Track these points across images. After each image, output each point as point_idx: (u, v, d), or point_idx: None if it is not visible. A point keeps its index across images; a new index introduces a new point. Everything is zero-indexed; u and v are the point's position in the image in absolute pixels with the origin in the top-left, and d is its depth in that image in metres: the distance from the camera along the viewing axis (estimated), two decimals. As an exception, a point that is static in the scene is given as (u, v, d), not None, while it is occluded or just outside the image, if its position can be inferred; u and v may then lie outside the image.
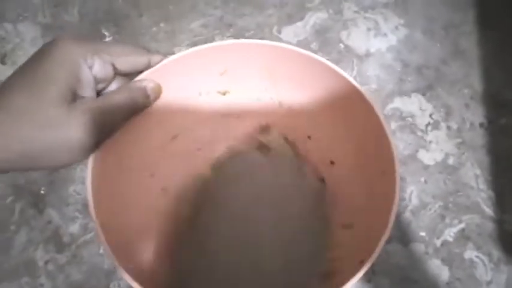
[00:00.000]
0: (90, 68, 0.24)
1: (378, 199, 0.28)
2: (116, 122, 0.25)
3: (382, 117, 0.27)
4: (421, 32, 0.47)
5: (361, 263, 0.23)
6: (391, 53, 0.46)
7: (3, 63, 0.47)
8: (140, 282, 0.23)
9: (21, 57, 0.47)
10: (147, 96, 0.27)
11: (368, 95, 0.28)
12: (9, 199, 0.39)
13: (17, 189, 0.39)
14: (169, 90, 0.29)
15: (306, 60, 0.30)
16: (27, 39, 0.48)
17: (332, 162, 0.34)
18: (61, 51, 0.23)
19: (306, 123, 0.34)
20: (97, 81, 0.25)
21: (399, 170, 0.25)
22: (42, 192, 0.39)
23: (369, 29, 0.47)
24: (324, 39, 0.47)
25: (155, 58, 0.27)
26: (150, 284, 0.24)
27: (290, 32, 0.47)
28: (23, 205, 0.39)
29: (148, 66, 0.27)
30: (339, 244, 0.31)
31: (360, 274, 0.23)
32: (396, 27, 0.47)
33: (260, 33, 0.47)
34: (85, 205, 0.38)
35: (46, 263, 0.36)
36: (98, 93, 0.26)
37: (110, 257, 0.23)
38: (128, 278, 0.23)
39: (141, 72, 0.27)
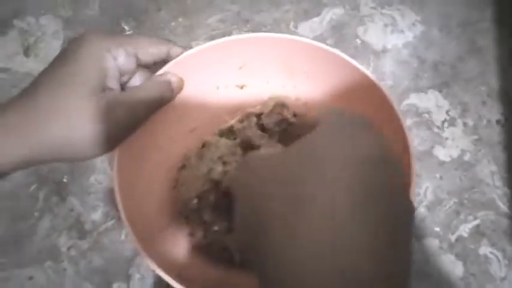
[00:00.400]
0: (115, 59, 0.25)
1: None
2: (143, 115, 0.26)
3: (398, 112, 0.28)
4: (438, 28, 0.47)
5: None
6: (407, 49, 0.46)
7: (27, 55, 0.48)
8: (162, 267, 0.24)
9: (43, 50, 0.48)
10: (172, 90, 0.28)
11: (385, 89, 0.28)
12: (33, 187, 0.40)
13: (40, 178, 0.40)
14: (188, 84, 0.30)
15: (322, 53, 0.30)
16: (48, 32, 0.49)
17: None
18: (87, 46, 0.24)
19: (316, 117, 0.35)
20: (122, 72, 0.26)
21: (415, 164, 0.26)
22: (64, 180, 0.40)
23: (385, 25, 0.48)
24: (340, 35, 0.47)
25: (175, 49, 0.28)
26: (170, 270, 0.25)
27: (306, 27, 0.48)
28: (46, 193, 0.40)
29: (168, 57, 0.28)
30: None
31: None
32: (413, 24, 0.48)
33: (277, 28, 0.48)
34: (106, 194, 0.40)
35: (69, 248, 0.37)
36: (122, 86, 0.27)
37: (133, 243, 0.24)
38: (150, 263, 0.24)
39: (162, 64, 0.28)
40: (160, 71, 0.28)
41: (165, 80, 0.28)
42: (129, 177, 0.28)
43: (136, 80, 0.28)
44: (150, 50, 0.27)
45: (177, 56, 0.28)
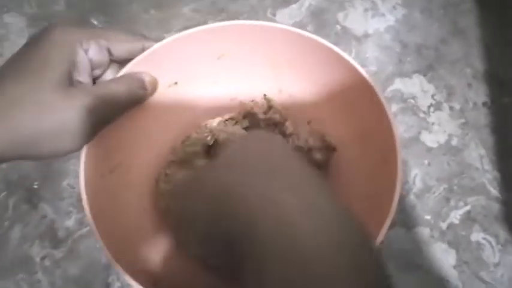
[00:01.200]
0: (86, 51, 0.24)
1: (381, 184, 0.27)
2: (113, 111, 0.24)
3: (383, 99, 0.26)
4: (419, 11, 0.46)
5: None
6: (389, 34, 0.45)
7: (-11, 56, 0.45)
8: (134, 276, 0.22)
9: (8, 49, 0.46)
10: (145, 89, 0.26)
11: (368, 76, 0.27)
12: (2, 194, 0.38)
13: (9, 184, 0.38)
14: (161, 77, 0.28)
15: (303, 41, 0.28)
16: (13, 30, 0.47)
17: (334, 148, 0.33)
18: (56, 36, 0.23)
19: (306, 108, 0.33)
20: (93, 66, 0.24)
21: (401, 154, 0.25)
22: (35, 186, 0.38)
23: (366, 10, 0.46)
24: (320, 21, 0.45)
25: (150, 44, 0.26)
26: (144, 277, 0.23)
27: (285, 14, 0.46)
28: (16, 200, 0.37)
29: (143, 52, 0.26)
30: None
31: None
32: (394, 7, 0.46)
33: (254, 16, 0.46)
34: (79, 199, 0.37)
35: (42, 258, 0.35)
36: (94, 80, 0.25)
37: (104, 252, 0.23)
38: (123, 274, 0.22)
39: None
40: (130, 64, 0.26)
41: (138, 78, 0.26)
42: (97, 180, 0.26)
43: (109, 75, 0.26)
44: (124, 45, 0.26)
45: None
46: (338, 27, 0.45)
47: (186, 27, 0.46)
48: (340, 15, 0.46)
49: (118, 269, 0.22)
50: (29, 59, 0.22)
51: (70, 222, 0.36)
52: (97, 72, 0.25)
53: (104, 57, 0.25)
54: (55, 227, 0.36)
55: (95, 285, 0.34)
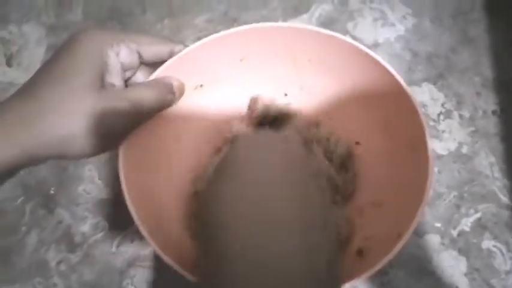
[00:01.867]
0: (117, 54, 0.25)
1: (408, 177, 0.28)
2: (143, 115, 0.25)
3: (410, 93, 0.27)
4: (429, 20, 0.47)
5: (399, 237, 0.23)
6: (399, 43, 0.45)
7: (9, 65, 0.47)
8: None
9: (27, 59, 0.47)
10: (173, 93, 0.27)
11: (389, 66, 0.27)
12: (19, 200, 0.39)
13: (27, 190, 0.39)
14: (187, 80, 0.29)
15: (324, 38, 0.29)
16: (32, 40, 0.48)
17: (357, 143, 0.33)
18: (88, 40, 0.24)
19: (326, 105, 0.34)
20: (124, 68, 0.25)
21: (431, 145, 0.25)
22: (52, 192, 0.39)
23: (375, 19, 0.47)
24: (330, 31, 0.46)
25: (178, 47, 0.27)
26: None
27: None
28: (33, 206, 0.38)
29: (171, 56, 0.27)
30: (370, 223, 0.30)
31: (398, 247, 0.23)
32: (404, 17, 0.47)
33: (266, 26, 0.47)
34: (95, 204, 0.38)
35: (58, 263, 0.36)
36: (125, 82, 0.26)
37: (145, 236, 0.23)
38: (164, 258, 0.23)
39: (164, 62, 0.27)
40: (159, 70, 0.27)
41: (166, 83, 0.27)
42: (134, 175, 0.26)
43: (139, 77, 0.27)
44: (153, 48, 0.27)
45: None
46: (348, 36, 0.45)
47: (198, 38, 0.47)
48: (350, 25, 0.46)
49: (151, 243, 0.23)
50: (61, 64, 0.23)
51: (85, 228, 0.37)
52: (127, 74, 0.26)
53: (134, 60, 0.26)
54: (71, 232, 0.37)
55: (110, 290, 0.35)
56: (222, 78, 0.33)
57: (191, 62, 0.28)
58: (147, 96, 0.25)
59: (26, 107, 0.21)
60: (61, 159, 0.23)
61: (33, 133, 0.21)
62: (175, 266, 0.23)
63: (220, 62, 0.31)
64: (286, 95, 0.35)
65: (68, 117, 0.22)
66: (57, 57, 0.23)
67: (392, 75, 0.27)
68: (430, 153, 0.25)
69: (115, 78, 0.24)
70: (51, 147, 0.22)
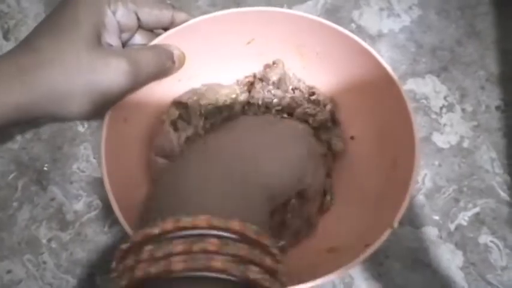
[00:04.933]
0: (114, 13, 0.24)
1: (392, 185, 0.27)
2: (140, 78, 0.24)
3: (407, 98, 0.26)
4: (436, 12, 0.46)
5: (366, 246, 0.23)
6: (404, 34, 0.45)
7: (6, 39, 0.46)
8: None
9: (24, 33, 0.45)
10: (173, 62, 0.26)
11: (394, 75, 0.27)
12: (12, 175, 0.38)
13: (19, 166, 0.38)
14: (189, 53, 0.28)
15: (334, 34, 0.29)
16: (30, 15, 0.47)
17: (352, 138, 0.33)
18: None
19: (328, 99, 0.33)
20: (121, 28, 0.25)
21: (419, 155, 0.25)
22: (45, 169, 0.38)
23: (381, 9, 0.46)
24: (335, 18, 0.45)
25: (180, 16, 0.26)
26: None
27: (300, 10, 0.46)
28: (26, 182, 0.38)
29: (172, 23, 0.26)
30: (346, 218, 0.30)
31: (361, 257, 0.22)
32: (410, 7, 0.46)
33: (270, 11, 0.46)
34: (89, 183, 0.37)
35: (49, 240, 0.35)
36: (123, 44, 0.26)
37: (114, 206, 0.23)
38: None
39: (165, 29, 0.26)
40: (161, 37, 0.26)
41: (168, 50, 0.26)
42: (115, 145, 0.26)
43: (137, 40, 0.27)
44: (153, 11, 0.26)
45: (182, 23, 0.27)
46: (353, 25, 0.45)
47: (201, 19, 0.46)
48: (356, 14, 0.45)
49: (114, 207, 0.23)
50: (60, 19, 0.22)
51: (78, 206, 0.37)
52: (125, 36, 0.25)
53: (132, 21, 0.25)
54: (63, 209, 0.36)
55: (101, 269, 0.34)
56: (225, 59, 0.32)
57: (195, 35, 0.27)
58: (145, 59, 0.24)
59: (25, 58, 0.21)
60: (55, 117, 0.22)
61: (31, 84, 0.20)
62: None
63: (225, 42, 0.30)
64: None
65: (67, 71, 0.21)
66: (56, 12, 0.23)
67: (395, 84, 0.27)
68: (415, 169, 0.25)
69: (112, 38, 0.24)
70: (47, 101, 0.21)
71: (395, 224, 0.23)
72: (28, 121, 0.22)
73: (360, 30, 0.45)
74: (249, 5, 0.46)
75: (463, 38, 0.44)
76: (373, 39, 0.44)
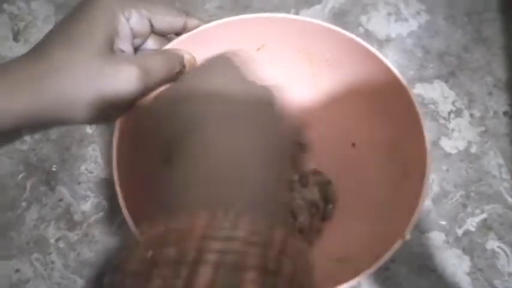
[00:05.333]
0: (127, 20, 0.24)
1: (401, 197, 0.27)
2: (150, 83, 0.24)
3: (416, 104, 0.26)
4: (443, 18, 0.46)
5: (377, 257, 0.23)
6: (412, 39, 0.45)
7: (16, 40, 0.46)
8: None
9: (34, 35, 0.46)
10: (183, 66, 0.27)
11: (407, 85, 0.27)
12: (21, 176, 0.38)
13: (28, 166, 0.39)
14: (200, 59, 0.28)
15: (345, 41, 0.29)
16: (40, 17, 0.47)
17: (353, 144, 0.33)
18: (100, 2, 0.23)
19: (340, 109, 0.33)
20: (134, 34, 0.25)
21: (431, 162, 0.24)
22: (53, 169, 0.38)
23: (389, 14, 0.46)
24: (342, 23, 0.45)
25: (192, 22, 0.27)
26: None
27: (308, 15, 0.46)
28: (34, 182, 0.38)
29: (184, 29, 0.27)
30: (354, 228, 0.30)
31: (372, 268, 0.22)
32: (417, 13, 0.46)
33: (278, 15, 0.46)
34: (97, 183, 0.38)
35: (57, 240, 0.35)
36: (135, 50, 0.26)
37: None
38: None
39: (177, 34, 0.27)
40: (174, 42, 0.27)
41: (178, 55, 0.26)
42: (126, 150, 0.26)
43: (149, 44, 0.27)
44: (166, 18, 0.26)
45: (194, 28, 0.27)
46: (361, 29, 0.45)
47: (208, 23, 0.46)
48: (363, 18, 0.46)
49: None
50: (73, 25, 0.22)
51: (86, 207, 0.37)
52: (137, 41, 0.25)
53: (145, 28, 0.25)
54: (71, 210, 0.37)
55: (109, 271, 0.34)
56: None
57: (206, 40, 0.28)
58: (156, 65, 0.24)
59: (35, 66, 0.21)
60: (63, 123, 0.23)
61: (40, 92, 0.21)
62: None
63: (236, 46, 0.31)
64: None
65: (76, 79, 0.21)
66: (68, 18, 0.23)
67: (408, 95, 0.27)
68: (426, 182, 0.25)
69: (125, 44, 0.24)
70: (55, 108, 0.21)
71: (408, 236, 0.23)
72: (35, 126, 0.22)
73: (367, 35, 0.45)
74: (257, 9, 0.47)
75: (470, 44, 0.44)
76: (380, 43, 0.44)
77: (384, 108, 0.30)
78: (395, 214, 0.26)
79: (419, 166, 0.25)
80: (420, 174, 0.25)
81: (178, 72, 0.26)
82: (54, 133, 0.40)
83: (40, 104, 0.21)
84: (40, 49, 0.22)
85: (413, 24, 0.45)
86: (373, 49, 0.28)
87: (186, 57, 0.27)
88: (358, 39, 0.28)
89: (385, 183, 0.29)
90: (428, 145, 0.25)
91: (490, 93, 0.42)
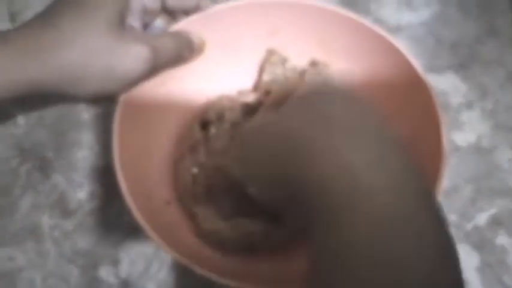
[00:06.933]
0: None
1: None
2: (158, 63, 0.24)
3: (435, 98, 0.25)
4: (455, 8, 0.45)
5: None
6: (423, 28, 0.43)
7: (13, 21, 0.44)
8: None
9: (31, 16, 0.45)
10: (192, 51, 0.26)
11: (426, 79, 0.26)
12: (15, 162, 0.37)
13: (23, 152, 0.37)
14: (211, 42, 0.27)
15: (361, 29, 0.28)
16: (37, -2, 0.46)
17: None
18: None
19: None
20: (145, 11, 0.24)
21: (446, 166, 0.23)
22: (49, 156, 0.37)
23: (400, 2, 0.45)
24: (352, 10, 0.43)
25: (205, 2, 0.26)
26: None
27: (318, 1, 0.45)
28: (29, 168, 0.36)
29: (196, 9, 0.26)
30: None
31: None
32: (429, 2, 0.45)
33: (284, 1, 0.45)
34: (93, 171, 0.36)
35: (52, 228, 0.34)
36: (144, 26, 0.25)
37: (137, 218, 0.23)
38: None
39: (186, 14, 0.26)
40: (182, 22, 0.26)
41: (188, 38, 0.25)
42: (128, 133, 0.25)
43: (159, 23, 0.26)
44: None
45: (206, 9, 0.26)
46: (370, 17, 0.44)
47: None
48: (374, 6, 0.44)
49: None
50: None
51: (82, 195, 0.35)
52: (146, 18, 0.25)
53: (157, 4, 0.24)
54: (67, 198, 0.35)
55: (104, 259, 0.33)
56: (246, 49, 0.31)
57: (217, 22, 0.27)
58: (166, 47, 0.23)
59: (42, 36, 0.20)
60: (66, 96, 0.21)
61: (47, 63, 0.20)
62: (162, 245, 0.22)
63: (247, 32, 0.29)
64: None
65: (86, 53, 0.20)
66: None
67: (427, 89, 0.26)
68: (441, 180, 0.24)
69: (134, 20, 0.23)
70: (61, 80, 0.21)
71: None
72: (36, 95, 0.21)
73: (377, 23, 0.43)
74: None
75: (482, 36, 0.43)
76: (391, 31, 0.42)
77: (400, 102, 0.28)
78: None
79: (434, 166, 0.24)
80: (435, 172, 0.24)
81: (187, 55, 0.25)
82: (49, 117, 0.38)
83: (46, 75, 0.20)
84: (49, 18, 0.21)
85: (424, 14, 0.44)
86: (393, 40, 0.27)
87: (196, 41, 0.26)
88: (375, 27, 0.27)
89: None
90: (445, 145, 0.24)
91: (502, 86, 0.40)
